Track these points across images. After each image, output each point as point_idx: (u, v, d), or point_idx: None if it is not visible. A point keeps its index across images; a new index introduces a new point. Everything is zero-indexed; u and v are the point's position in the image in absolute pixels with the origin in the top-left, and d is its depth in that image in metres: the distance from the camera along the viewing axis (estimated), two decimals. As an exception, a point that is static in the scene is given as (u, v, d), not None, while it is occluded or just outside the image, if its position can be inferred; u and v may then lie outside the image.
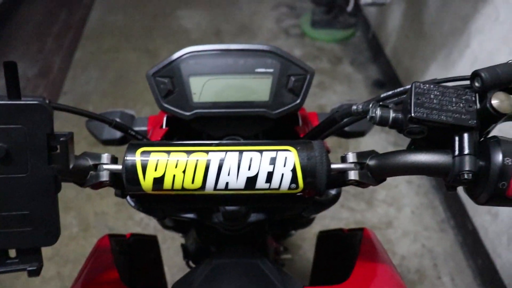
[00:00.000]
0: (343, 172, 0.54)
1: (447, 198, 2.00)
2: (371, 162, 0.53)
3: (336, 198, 0.68)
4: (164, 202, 0.60)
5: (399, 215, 1.99)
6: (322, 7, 3.10)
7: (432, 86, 0.47)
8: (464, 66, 1.80)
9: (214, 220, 0.68)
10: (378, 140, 2.29)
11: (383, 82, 2.67)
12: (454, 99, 0.47)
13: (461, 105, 0.46)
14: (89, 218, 1.97)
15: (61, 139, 0.44)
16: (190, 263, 1.04)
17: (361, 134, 0.95)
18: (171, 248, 1.82)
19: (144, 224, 1.94)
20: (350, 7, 2.45)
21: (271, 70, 0.69)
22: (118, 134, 0.91)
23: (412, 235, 1.91)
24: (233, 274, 0.61)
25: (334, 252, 0.88)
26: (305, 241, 1.86)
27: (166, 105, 0.69)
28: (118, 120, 0.72)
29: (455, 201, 1.91)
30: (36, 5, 3.48)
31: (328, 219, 1.94)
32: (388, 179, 0.56)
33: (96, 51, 3.02)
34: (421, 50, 2.21)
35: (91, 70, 2.85)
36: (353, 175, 0.53)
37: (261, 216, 0.68)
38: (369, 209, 2.01)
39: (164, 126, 0.77)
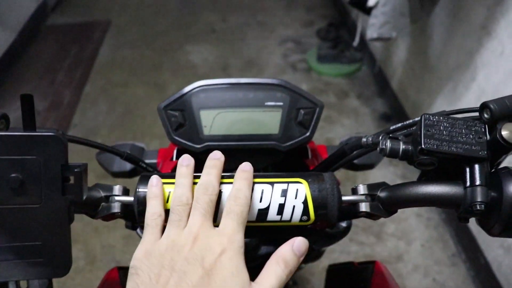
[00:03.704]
0: (354, 204, 0.54)
1: (458, 232, 1.97)
2: (382, 194, 0.53)
3: (347, 230, 0.68)
4: None
5: (409, 249, 1.96)
6: (328, 42, 3.15)
7: (441, 117, 0.48)
8: (470, 99, 1.80)
9: None
10: (387, 173, 2.28)
11: (390, 115, 2.68)
12: (463, 130, 0.47)
13: (471, 136, 0.46)
14: (96, 251, 1.95)
15: (75, 170, 0.45)
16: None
17: (370, 166, 0.95)
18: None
19: (151, 257, 1.91)
20: (356, 42, 2.49)
21: (281, 104, 0.69)
22: (128, 166, 0.91)
23: (423, 269, 1.88)
24: None
25: (345, 286, 0.86)
26: (314, 275, 1.82)
27: (176, 138, 0.70)
28: (129, 152, 0.72)
29: (466, 235, 1.88)
30: (48, 40, 3.57)
31: (337, 253, 1.92)
32: (398, 211, 0.55)
33: (105, 85, 3.07)
34: (427, 84, 2.23)
35: (100, 104, 2.89)
36: (364, 207, 0.53)
37: (272, 248, 0.67)
38: (379, 242, 1.98)
39: (174, 159, 0.77)
